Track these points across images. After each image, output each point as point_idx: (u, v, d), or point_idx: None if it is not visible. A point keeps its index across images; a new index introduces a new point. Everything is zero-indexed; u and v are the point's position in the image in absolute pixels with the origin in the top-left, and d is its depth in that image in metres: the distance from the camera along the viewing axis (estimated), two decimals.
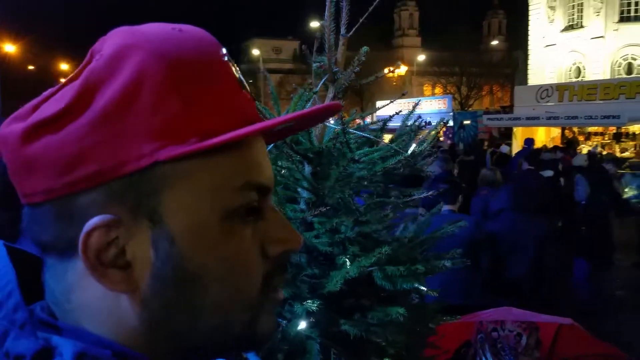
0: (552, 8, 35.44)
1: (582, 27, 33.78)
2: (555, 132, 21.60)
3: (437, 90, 52.96)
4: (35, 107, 0.52)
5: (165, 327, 0.52)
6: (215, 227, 0.51)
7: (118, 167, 0.48)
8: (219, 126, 0.51)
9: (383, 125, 1.87)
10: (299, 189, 1.88)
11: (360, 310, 1.71)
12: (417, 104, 2.06)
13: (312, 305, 1.57)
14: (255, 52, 64.35)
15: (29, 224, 0.53)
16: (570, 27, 34.70)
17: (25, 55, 42.55)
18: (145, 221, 0.50)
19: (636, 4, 31.64)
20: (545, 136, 21.26)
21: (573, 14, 34.55)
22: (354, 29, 1.86)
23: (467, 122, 21.87)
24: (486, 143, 20.30)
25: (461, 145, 16.93)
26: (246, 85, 0.58)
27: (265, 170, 0.56)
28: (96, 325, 0.51)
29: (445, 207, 4.31)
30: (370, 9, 1.85)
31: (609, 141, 20.56)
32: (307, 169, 1.84)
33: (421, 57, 51.63)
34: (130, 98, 0.49)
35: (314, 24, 52.37)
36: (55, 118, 0.49)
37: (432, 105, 24.68)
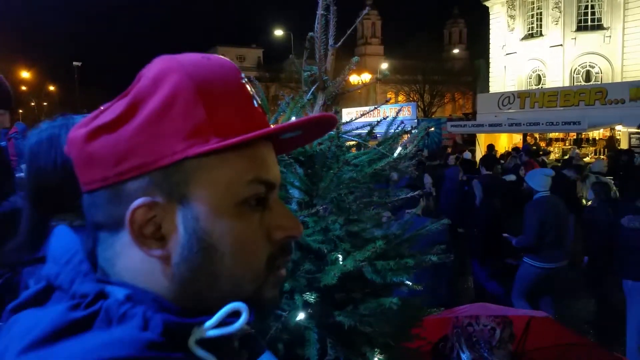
0: (512, 17, 36.25)
1: (541, 35, 34.66)
2: (517, 138, 22.17)
3: (401, 98, 53.40)
4: (95, 117, 0.66)
5: (190, 286, 0.65)
6: (229, 210, 0.65)
7: (157, 160, 0.62)
8: (235, 131, 0.65)
9: (370, 130, 1.99)
10: (291, 190, 1.98)
11: (352, 302, 1.82)
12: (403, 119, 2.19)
13: (310, 296, 1.68)
14: None
15: (87, 208, 0.68)
16: (530, 36, 35.56)
17: None
18: (176, 204, 0.64)
19: (592, 13, 32.58)
20: (507, 142, 21.80)
21: (532, 23, 35.41)
22: (341, 40, 1.98)
23: (431, 129, 22.24)
24: (449, 149, 20.68)
25: (426, 152, 17.24)
26: (259, 101, 0.72)
27: (271, 169, 0.70)
28: (136, 282, 0.65)
29: (408, 211, 4.54)
30: (357, 21, 1.98)
31: (569, 147, 21.15)
32: (299, 171, 1.95)
33: (384, 65, 52.12)
34: (167, 108, 0.63)
35: (278, 32, 52.73)
36: (111, 123, 0.64)
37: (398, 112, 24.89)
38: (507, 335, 2.84)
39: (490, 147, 16.60)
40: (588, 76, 32.80)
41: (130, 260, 0.65)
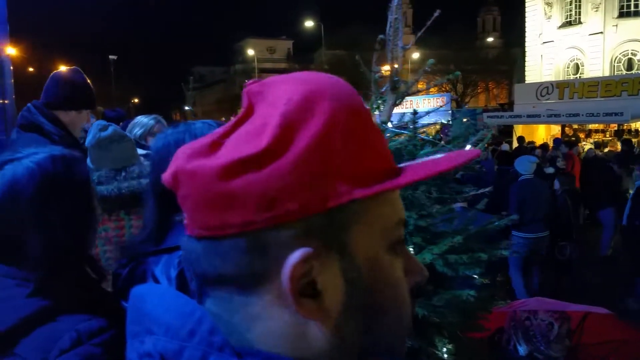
0: (549, 4, 35.47)
1: (580, 23, 33.82)
2: (556, 129, 21.79)
3: (432, 88, 52.55)
4: (216, 144, 0.56)
5: (349, 350, 0.56)
6: (384, 258, 0.58)
7: (320, 203, 0.52)
8: (387, 168, 0.58)
9: (440, 130, 2.04)
10: None
11: (424, 294, 1.90)
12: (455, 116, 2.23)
13: None
14: (250, 51, 64.64)
15: (205, 257, 0.56)
16: (567, 24, 34.76)
17: (26, 58, 42.83)
18: (334, 254, 0.54)
19: None
20: (545, 133, 21.45)
21: (571, 10, 34.55)
22: (410, 44, 2.04)
23: (465, 119, 21.97)
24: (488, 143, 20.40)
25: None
26: None
27: (403, 208, 0.63)
28: (284, 351, 0.54)
29: (457, 205, 4.62)
30: (428, 23, 2.04)
31: (610, 138, 20.68)
32: None
33: (415, 55, 51.48)
34: (326, 141, 0.53)
35: (308, 24, 52.64)
36: (257, 157, 0.52)
37: (431, 103, 24.70)
38: (565, 330, 2.88)
39: (521, 139, 16.36)
40: (630, 65, 31.88)
41: (276, 324, 0.54)
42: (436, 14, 1.99)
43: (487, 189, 2.05)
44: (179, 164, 0.56)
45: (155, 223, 1.34)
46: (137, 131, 3.88)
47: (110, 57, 48.39)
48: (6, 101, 10.82)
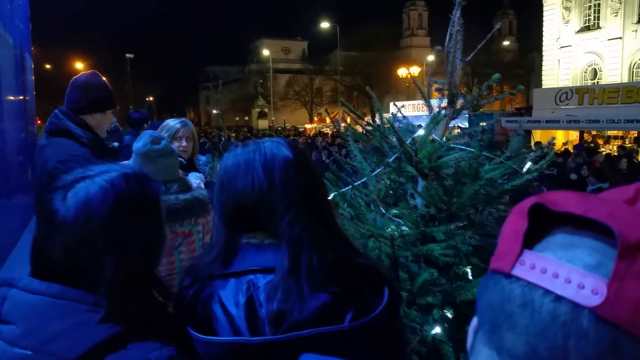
0: (567, 9, 35.19)
1: (598, 28, 33.57)
2: (574, 135, 21.61)
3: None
4: None
5: None
6: None
7: None
8: None
9: (500, 143, 1.98)
10: (411, 202, 2.00)
11: None
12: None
13: (448, 311, 1.70)
14: (265, 52, 64.77)
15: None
16: (586, 28, 34.49)
17: (42, 55, 43.26)
18: None
19: None
20: (563, 139, 21.28)
21: (589, 15, 34.30)
22: (471, 55, 1.98)
23: (483, 124, 21.88)
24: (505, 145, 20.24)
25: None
26: None
27: None
28: None
29: None
30: (488, 36, 1.97)
31: (629, 145, 20.44)
32: (421, 184, 1.97)
33: (430, 57, 51.34)
34: None
35: (324, 25, 52.58)
36: None
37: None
38: None
39: (538, 145, 16.19)
40: None
41: None
42: (498, 26, 1.93)
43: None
44: None
45: (223, 244, 1.29)
46: (164, 135, 3.84)
47: (127, 55, 48.56)
48: (27, 97, 10.90)
